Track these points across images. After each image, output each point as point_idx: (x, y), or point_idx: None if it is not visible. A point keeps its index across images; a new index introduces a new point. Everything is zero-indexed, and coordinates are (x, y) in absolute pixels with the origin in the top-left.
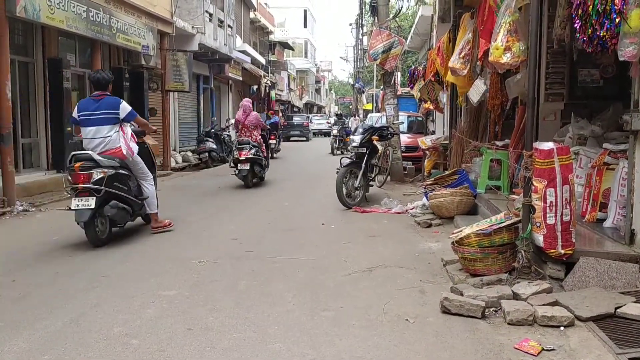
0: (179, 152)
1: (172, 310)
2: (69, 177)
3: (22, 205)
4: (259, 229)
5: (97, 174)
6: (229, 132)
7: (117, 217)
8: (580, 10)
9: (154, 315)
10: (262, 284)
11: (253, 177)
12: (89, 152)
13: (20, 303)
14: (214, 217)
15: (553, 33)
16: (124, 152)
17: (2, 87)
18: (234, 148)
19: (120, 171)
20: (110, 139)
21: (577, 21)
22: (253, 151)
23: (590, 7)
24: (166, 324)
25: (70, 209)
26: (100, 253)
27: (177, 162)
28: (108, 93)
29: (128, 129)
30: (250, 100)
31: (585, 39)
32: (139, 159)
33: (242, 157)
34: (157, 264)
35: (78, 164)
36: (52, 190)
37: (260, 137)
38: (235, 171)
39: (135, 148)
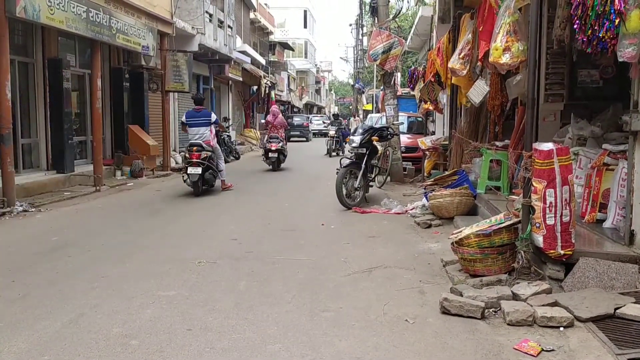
0: (179, 153)
1: (172, 310)
2: (187, 155)
3: (21, 205)
4: (259, 229)
5: (204, 154)
6: (228, 132)
7: (210, 179)
8: (579, 11)
9: (153, 316)
10: (262, 285)
11: (279, 164)
12: (199, 141)
13: (19, 303)
14: (214, 218)
15: (553, 34)
16: (212, 143)
17: (2, 87)
18: (265, 141)
19: (210, 153)
20: (205, 135)
21: (577, 22)
22: (281, 144)
23: (590, 8)
24: (165, 325)
25: (187, 174)
26: (100, 253)
27: (177, 163)
28: (204, 107)
29: (213, 129)
30: (277, 106)
31: (584, 39)
32: (218, 146)
33: (273, 148)
34: (156, 264)
35: (194, 148)
36: (52, 191)
37: (284, 134)
38: (263, 158)
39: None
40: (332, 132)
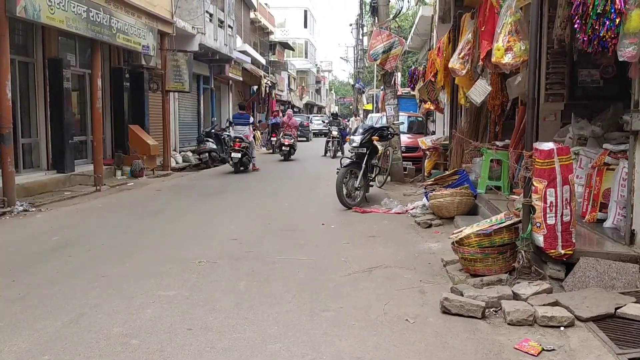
0: (179, 152)
1: (172, 310)
2: (231, 144)
3: (22, 205)
4: (259, 229)
5: (243, 144)
6: (229, 132)
7: (246, 162)
8: (580, 11)
9: (153, 316)
10: (262, 285)
11: (289, 155)
12: (240, 135)
13: (20, 303)
14: (214, 218)
15: (553, 33)
16: (250, 137)
17: (2, 87)
18: (280, 137)
19: (247, 145)
20: (245, 131)
21: (578, 21)
22: (292, 141)
23: (591, 7)
24: (166, 324)
25: (232, 158)
26: (100, 253)
27: (177, 162)
28: (245, 112)
29: (251, 127)
30: (291, 110)
31: (585, 39)
32: (253, 140)
33: (286, 143)
34: (156, 264)
35: (237, 139)
36: (52, 190)
37: (296, 133)
38: (277, 151)
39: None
40: (334, 132)
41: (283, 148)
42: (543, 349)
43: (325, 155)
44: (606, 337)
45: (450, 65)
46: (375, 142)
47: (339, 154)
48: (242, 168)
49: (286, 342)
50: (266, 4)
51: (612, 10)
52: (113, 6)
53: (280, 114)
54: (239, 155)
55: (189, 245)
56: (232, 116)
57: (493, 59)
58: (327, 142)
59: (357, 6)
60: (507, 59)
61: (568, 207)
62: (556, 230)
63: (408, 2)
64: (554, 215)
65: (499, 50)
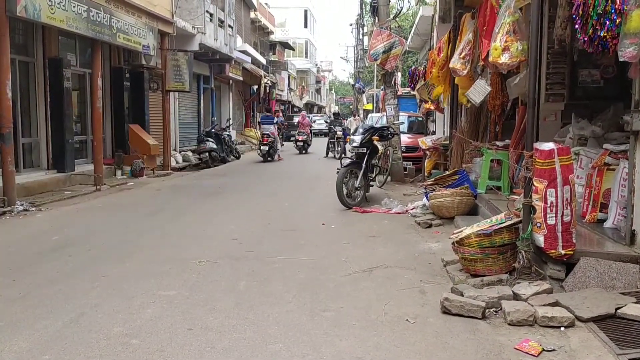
0: (179, 152)
1: (172, 310)
2: (261, 139)
3: (22, 204)
4: (259, 229)
5: (269, 139)
6: (229, 132)
7: (272, 154)
8: (581, 11)
9: (153, 315)
10: (262, 284)
11: (303, 148)
12: (267, 132)
13: (20, 303)
14: (214, 217)
15: (554, 33)
16: (275, 133)
17: (2, 86)
18: (296, 134)
19: (273, 139)
20: (271, 129)
21: (578, 21)
22: (306, 137)
23: (591, 7)
24: (166, 324)
25: (260, 149)
26: (101, 253)
27: (177, 162)
28: (270, 114)
29: (275, 126)
30: (302, 112)
31: (585, 39)
32: (277, 136)
33: (300, 139)
34: (156, 264)
35: (265, 135)
36: (52, 190)
37: (309, 130)
38: (294, 145)
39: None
40: (339, 133)
41: (298, 143)
42: (543, 349)
43: (327, 156)
44: (606, 337)
45: (451, 66)
46: (375, 142)
47: (331, 155)
48: (269, 158)
49: (286, 342)
50: (266, 4)
51: (613, 11)
52: (113, 6)
53: (281, 114)
54: (266, 147)
55: (189, 245)
56: (260, 117)
57: (490, 59)
58: (331, 142)
59: (358, 6)
60: (504, 58)
61: (568, 208)
62: (556, 230)
63: (408, 1)
64: (554, 215)
65: (496, 50)
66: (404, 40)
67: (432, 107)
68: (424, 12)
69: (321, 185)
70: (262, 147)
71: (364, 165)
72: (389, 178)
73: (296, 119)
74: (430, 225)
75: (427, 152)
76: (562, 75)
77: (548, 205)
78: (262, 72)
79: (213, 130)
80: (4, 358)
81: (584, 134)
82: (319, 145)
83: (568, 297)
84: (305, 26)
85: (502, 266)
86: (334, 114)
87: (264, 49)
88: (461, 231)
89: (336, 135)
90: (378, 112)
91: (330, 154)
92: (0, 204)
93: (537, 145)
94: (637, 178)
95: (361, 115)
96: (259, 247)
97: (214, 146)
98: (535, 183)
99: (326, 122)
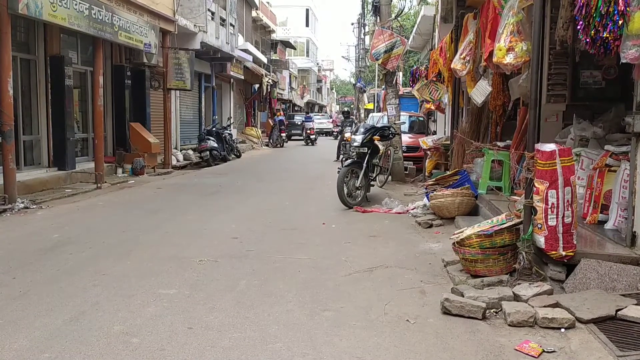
0: (180, 151)
1: (173, 309)
2: (308, 130)
3: (23, 202)
4: (260, 228)
5: (314, 130)
6: (230, 130)
7: (314, 139)
8: (583, 12)
9: (154, 314)
10: (263, 284)
11: (313, 142)
12: (310, 127)
13: (20, 301)
14: (215, 216)
15: (555, 34)
16: (314, 128)
17: (4, 84)
18: (305, 135)
19: (315, 131)
20: (311, 125)
21: (580, 23)
22: (314, 137)
23: (593, 8)
24: (166, 323)
25: (310, 138)
26: (101, 251)
27: (178, 161)
28: (309, 115)
29: (313, 123)
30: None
31: (588, 40)
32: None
33: (312, 134)
34: (157, 262)
35: (310, 128)
36: (53, 188)
37: (314, 132)
38: (304, 141)
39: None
40: (347, 135)
41: (311, 138)
42: (543, 351)
43: (337, 160)
44: (607, 339)
45: (452, 66)
46: (376, 142)
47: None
48: (310, 143)
49: (287, 341)
50: (268, 3)
51: (615, 12)
52: (115, 4)
53: (283, 113)
54: (314, 137)
55: (189, 243)
56: (304, 117)
57: (494, 59)
58: (342, 144)
59: (359, 5)
60: (509, 59)
61: (569, 209)
62: (557, 231)
63: (410, 1)
64: (555, 216)
65: (500, 51)
66: (406, 40)
67: (433, 107)
68: (426, 12)
69: (322, 185)
70: (311, 137)
71: (364, 164)
72: (390, 178)
73: (297, 118)
74: (430, 226)
75: (428, 152)
76: (564, 76)
77: (549, 207)
78: (263, 71)
79: (214, 128)
80: (4, 356)
81: (585, 135)
82: (321, 146)
83: (568, 298)
84: (307, 25)
85: (502, 267)
86: (343, 112)
87: (265, 48)
88: (462, 232)
89: (345, 137)
90: (379, 111)
91: (342, 157)
92: (0, 201)
93: (538, 146)
94: (638, 179)
95: (362, 115)
96: (259, 246)
97: (215, 145)
98: (536, 184)
99: (329, 122)
